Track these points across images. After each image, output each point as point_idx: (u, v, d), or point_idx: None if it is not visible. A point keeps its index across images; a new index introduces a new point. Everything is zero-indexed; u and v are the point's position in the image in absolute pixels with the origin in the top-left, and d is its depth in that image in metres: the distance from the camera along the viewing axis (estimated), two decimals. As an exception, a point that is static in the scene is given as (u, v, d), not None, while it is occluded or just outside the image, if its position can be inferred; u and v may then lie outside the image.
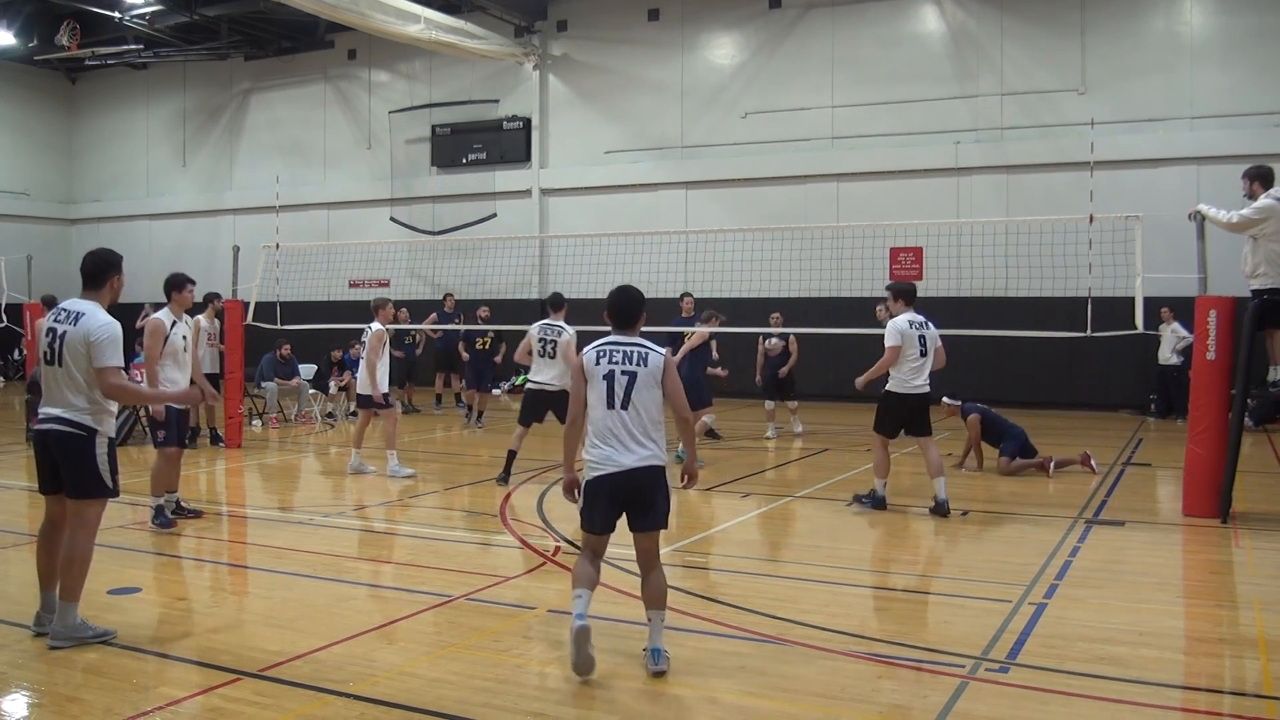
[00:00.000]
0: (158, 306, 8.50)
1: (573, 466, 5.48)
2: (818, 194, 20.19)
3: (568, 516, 8.79)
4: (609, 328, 5.48)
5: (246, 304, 14.35)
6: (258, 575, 7.19)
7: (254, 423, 15.88)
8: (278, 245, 15.55)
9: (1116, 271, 11.87)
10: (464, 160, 23.73)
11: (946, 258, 18.13)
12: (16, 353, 25.50)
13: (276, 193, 18.73)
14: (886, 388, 9.20)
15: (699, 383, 12.47)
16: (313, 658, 5.18)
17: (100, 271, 5.58)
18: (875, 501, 9.21)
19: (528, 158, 23.06)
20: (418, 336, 18.31)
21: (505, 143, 23.27)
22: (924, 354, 9.05)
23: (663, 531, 5.28)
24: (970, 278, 17.53)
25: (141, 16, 22.76)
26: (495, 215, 23.33)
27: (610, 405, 5.13)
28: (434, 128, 24.09)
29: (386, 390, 11.37)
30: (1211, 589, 6.85)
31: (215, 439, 13.58)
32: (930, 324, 9.18)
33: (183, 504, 8.74)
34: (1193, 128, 17.76)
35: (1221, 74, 17.58)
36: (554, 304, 10.97)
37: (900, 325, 9.05)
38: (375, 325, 11.31)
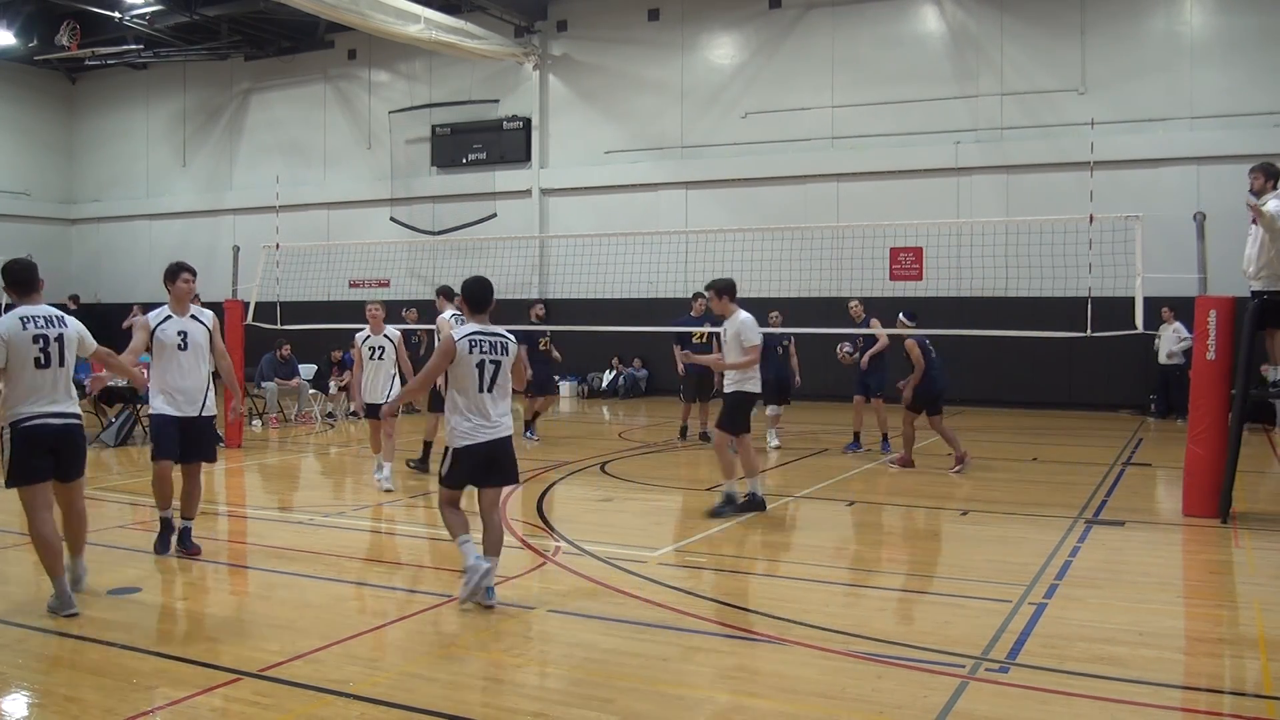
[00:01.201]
0: (147, 308, 8.49)
1: (406, 401, 7.14)
2: (818, 194, 20.19)
3: (568, 517, 8.80)
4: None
5: (246, 304, 14.35)
6: (258, 575, 7.19)
7: (254, 423, 15.88)
8: (278, 245, 15.55)
9: (1116, 271, 11.86)
10: (464, 160, 23.74)
11: (946, 258, 18.14)
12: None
13: (276, 193, 18.71)
14: (741, 388, 8.88)
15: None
16: (313, 658, 5.18)
17: (36, 277, 6.20)
18: (754, 503, 8.81)
19: (528, 158, 23.06)
20: (421, 336, 18.31)
21: (505, 143, 23.28)
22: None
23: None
24: (970, 278, 17.53)
25: (141, 16, 22.76)
26: (495, 215, 23.34)
27: (480, 389, 6.11)
28: (434, 128, 24.09)
29: (366, 400, 10.61)
30: (1211, 589, 6.85)
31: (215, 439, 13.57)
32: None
33: (189, 536, 7.42)
34: (1193, 128, 17.77)
35: (1221, 74, 17.58)
36: (447, 295, 11.00)
37: (753, 319, 8.82)
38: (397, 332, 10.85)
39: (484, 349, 6.13)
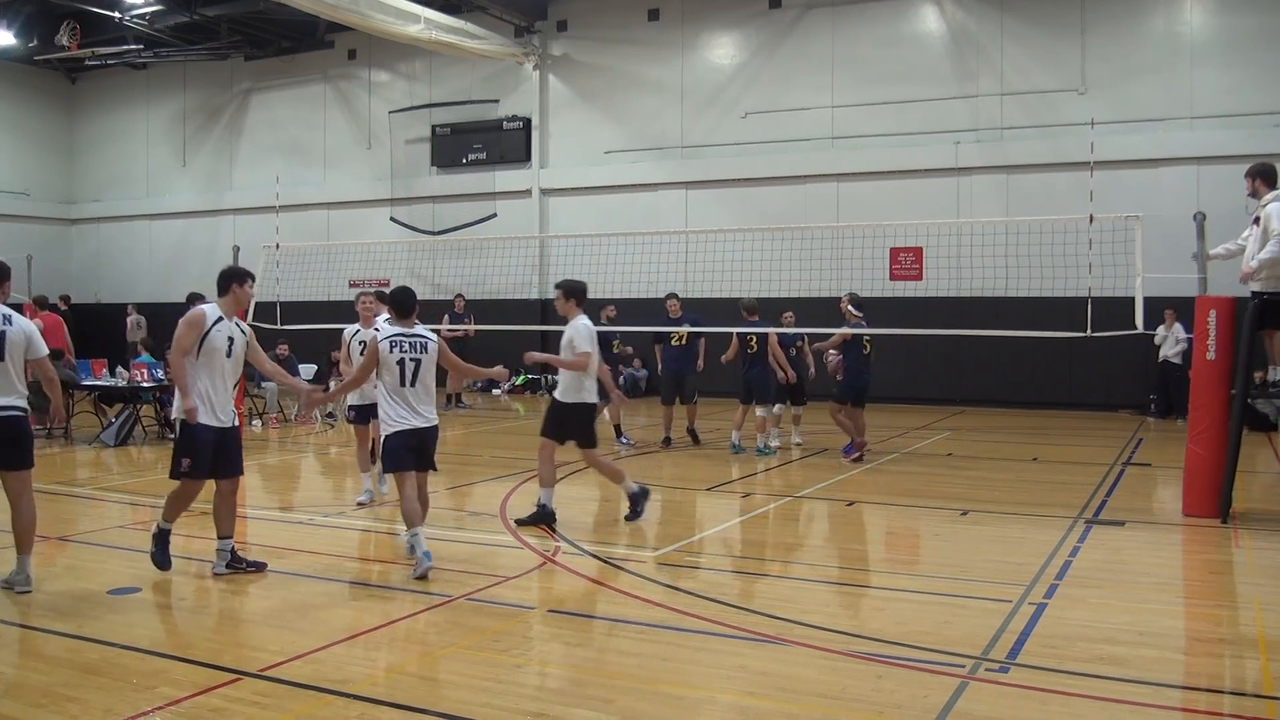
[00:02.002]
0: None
1: (333, 399, 7.88)
2: (818, 194, 20.19)
3: (568, 517, 8.79)
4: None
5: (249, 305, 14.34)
6: (258, 575, 7.18)
7: (254, 423, 15.88)
8: (278, 245, 15.56)
9: (1116, 271, 11.87)
10: (464, 160, 23.73)
11: (946, 258, 18.13)
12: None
13: (276, 193, 18.72)
14: (578, 398, 8.37)
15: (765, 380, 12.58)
16: (313, 658, 5.18)
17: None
18: (543, 516, 8.32)
19: (528, 158, 23.06)
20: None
21: (505, 143, 23.27)
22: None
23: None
24: (970, 278, 17.52)
25: (141, 16, 22.75)
26: (495, 215, 23.33)
27: (403, 384, 6.99)
28: (434, 128, 24.08)
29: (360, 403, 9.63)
30: (1211, 589, 6.85)
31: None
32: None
33: (237, 552, 6.96)
34: (1193, 128, 17.76)
35: (1221, 74, 17.58)
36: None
37: (590, 328, 8.38)
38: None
39: (404, 349, 7.02)
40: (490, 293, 21.49)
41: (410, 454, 6.99)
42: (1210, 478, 8.62)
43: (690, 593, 6.47)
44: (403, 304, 7.26)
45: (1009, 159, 18.89)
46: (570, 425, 8.47)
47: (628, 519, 8.55)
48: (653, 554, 7.45)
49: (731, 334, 12.77)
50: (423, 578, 6.64)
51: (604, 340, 12.62)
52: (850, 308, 12.13)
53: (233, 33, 24.33)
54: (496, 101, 23.53)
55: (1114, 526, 8.42)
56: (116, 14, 22.43)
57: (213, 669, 5.00)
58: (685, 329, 13.05)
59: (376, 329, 9.22)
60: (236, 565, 6.84)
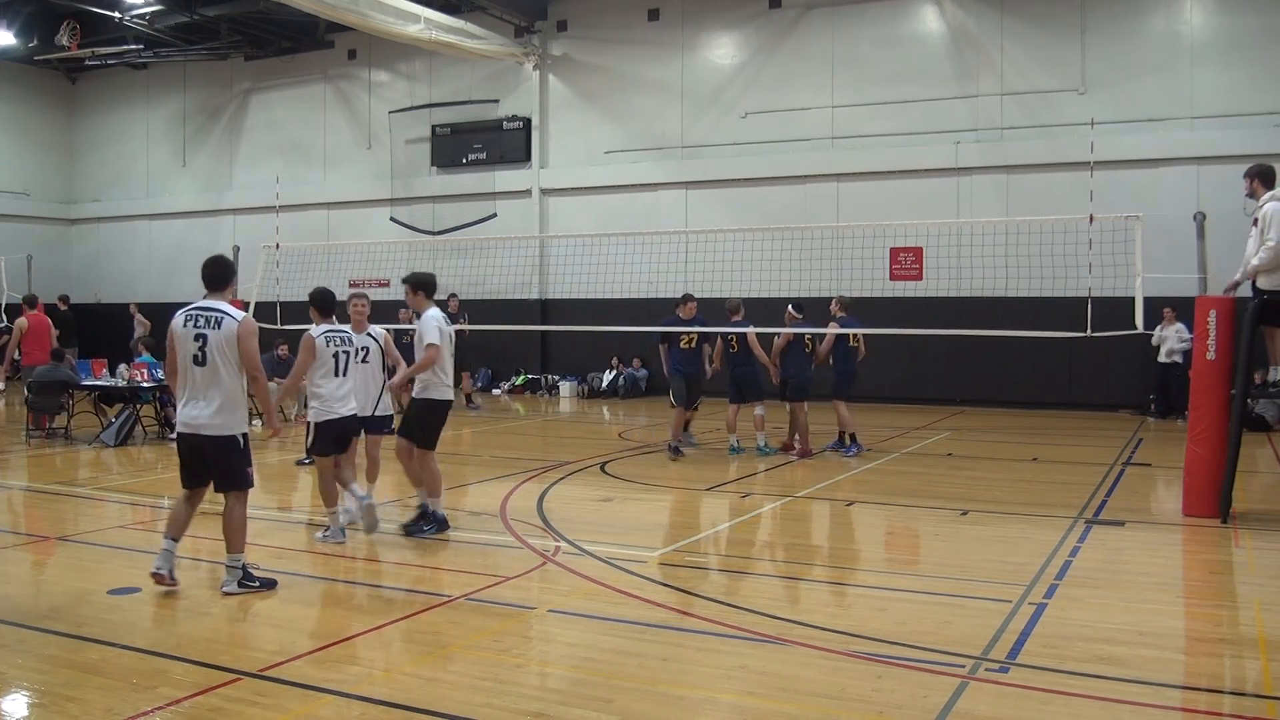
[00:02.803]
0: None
1: (288, 396, 7.51)
2: (818, 194, 20.19)
3: (567, 517, 8.80)
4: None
5: (247, 304, 14.36)
6: (258, 575, 7.18)
7: (254, 423, 15.85)
8: (278, 245, 15.56)
9: (1116, 271, 11.87)
10: (464, 160, 23.73)
11: (946, 258, 18.14)
12: (16, 352, 25.51)
13: (276, 193, 18.72)
14: (429, 395, 8.03)
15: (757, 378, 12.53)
16: (313, 658, 5.18)
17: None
18: (440, 523, 8.01)
19: (528, 158, 23.05)
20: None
21: (505, 143, 23.27)
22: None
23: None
24: (970, 278, 17.53)
25: (141, 16, 22.74)
26: (495, 215, 23.33)
27: (335, 374, 7.58)
28: (434, 128, 24.08)
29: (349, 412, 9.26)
30: (1211, 589, 6.85)
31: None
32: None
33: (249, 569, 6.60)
34: (1193, 128, 17.76)
35: (1221, 74, 17.57)
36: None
37: (439, 319, 8.08)
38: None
39: (337, 343, 7.84)
40: (490, 293, 21.49)
41: (339, 440, 7.81)
42: (1210, 478, 8.62)
43: (690, 592, 6.47)
44: (325, 304, 8.05)
45: (1009, 159, 18.88)
46: (420, 422, 8.06)
47: (404, 529, 8.04)
48: (653, 554, 7.45)
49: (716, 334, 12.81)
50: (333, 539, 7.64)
51: (674, 339, 12.53)
52: (791, 309, 12.64)
53: (233, 33, 24.33)
54: (496, 101, 23.53)
55: (1114, 526, 8.42)
56: (116, 14, 22.43)
57: (213, 669, 5.00)
58: (696, 330, 12.62)
59: (371, 334, 8.78)
60: (252, 584, 6.45)
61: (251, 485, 6.51)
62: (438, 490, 8.10)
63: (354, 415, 7.96)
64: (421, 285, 8.35)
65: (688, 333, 12.60)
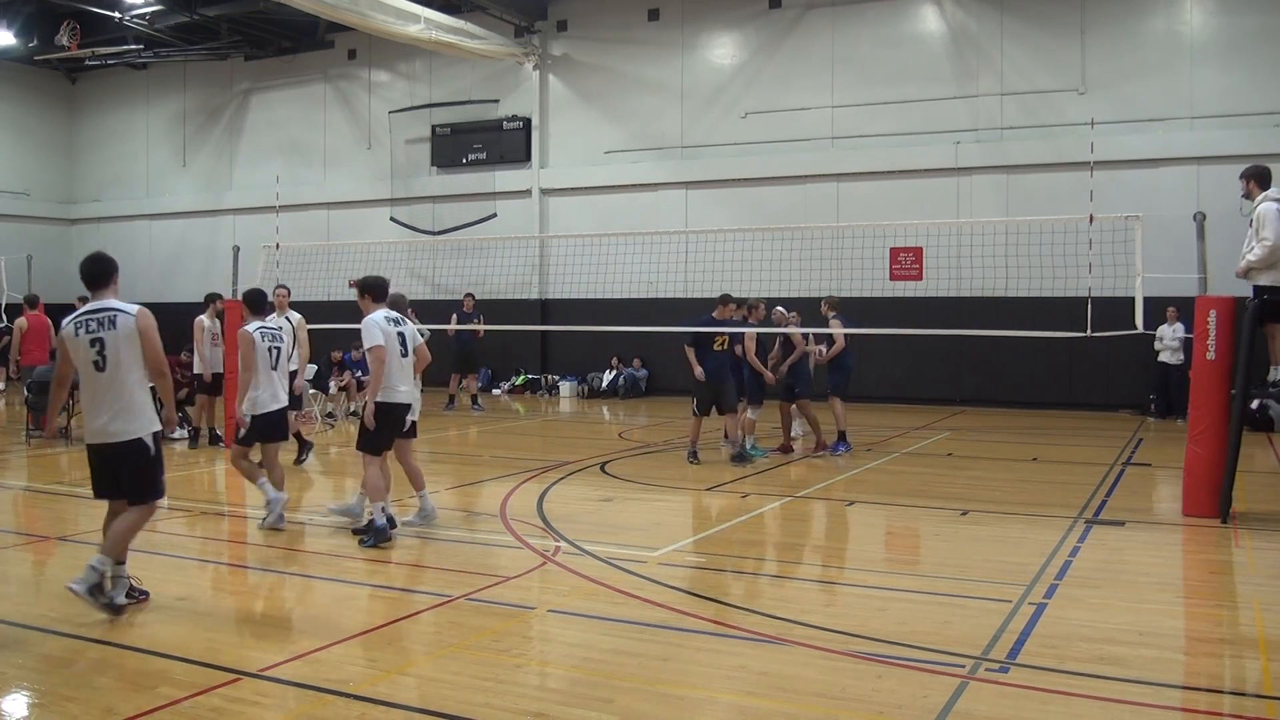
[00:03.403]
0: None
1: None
2: (818, 194, 20.19)
3: (567, 517, 8.80)
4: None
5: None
6: (258, 575, 7.19)
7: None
8: (278, 245, 15.54)
9: (1116, 271, 11.85)
10: (464, 160, 23.72)
11: (946, 258, 18.13)
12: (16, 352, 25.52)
13: (276, 193, 18.70)
14: (384, 398, 7.86)
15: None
16: (313, 658, 5.18)
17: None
18: (379, 534, 7.65)
19: (528, 158, 23.05)
20: (421, 333, 18.28)
21: (505, 143, 23.27)
22: (405, 354, 8.06)
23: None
24: (970, 278, 17.53)
25: (141, 16, 22.75)
26: (495, 215, 23.33)
27: (272, 367, 8.33)
28: (434, 128, 24.08)
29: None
30: (1211, 589, 6.85)
31: (215, 439, 13.58)
32: (406, 321, 8.20)
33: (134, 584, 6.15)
34: (1193, 128, 17.76)
35: (1221, 74, 17.57)
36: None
37: (379, 322, 7.91)
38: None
39: (269, 339, 8.61)
40: (490, 293, 21.47)
41: (270, 430, 8.55)
42: (1210, 478, 8.62)
43: (690, 593, 6.46)
44: (256, 303, 8.94)
45: (1009, 159, 18.88)
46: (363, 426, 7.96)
47: (360, 537, 7.83)
48: (653, 554, 7.45)
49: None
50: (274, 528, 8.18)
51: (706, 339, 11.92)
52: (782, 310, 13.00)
53: (233, 33, 24.33)
54: (496, 101, 23.53)
55: (1114, 526, 8.42)
56: (116, 14, 22.43)
57: (213, 669, 5.00)
58: (728, 331, 12.04)
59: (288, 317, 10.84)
60: (133, 595, 6.06)
61: (162, 495, 6.14)
62: (380, 496, 7.76)
63: (285, 407, 8.84)
64: (367, 289, 8.18)
65: (720, 335, 11.97)
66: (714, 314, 12.15)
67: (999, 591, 6.40)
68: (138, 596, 6.04)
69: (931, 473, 11.49)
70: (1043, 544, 7.70)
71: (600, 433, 15.94)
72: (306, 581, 6.83)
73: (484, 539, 8.16)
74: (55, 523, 8.90)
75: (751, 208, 20.39)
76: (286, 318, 11.20)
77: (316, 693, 4.70)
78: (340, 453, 13.23)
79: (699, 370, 11.85)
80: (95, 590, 5.70)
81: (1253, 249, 8.31)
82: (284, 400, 8.75)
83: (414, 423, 8.26)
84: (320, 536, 8.21)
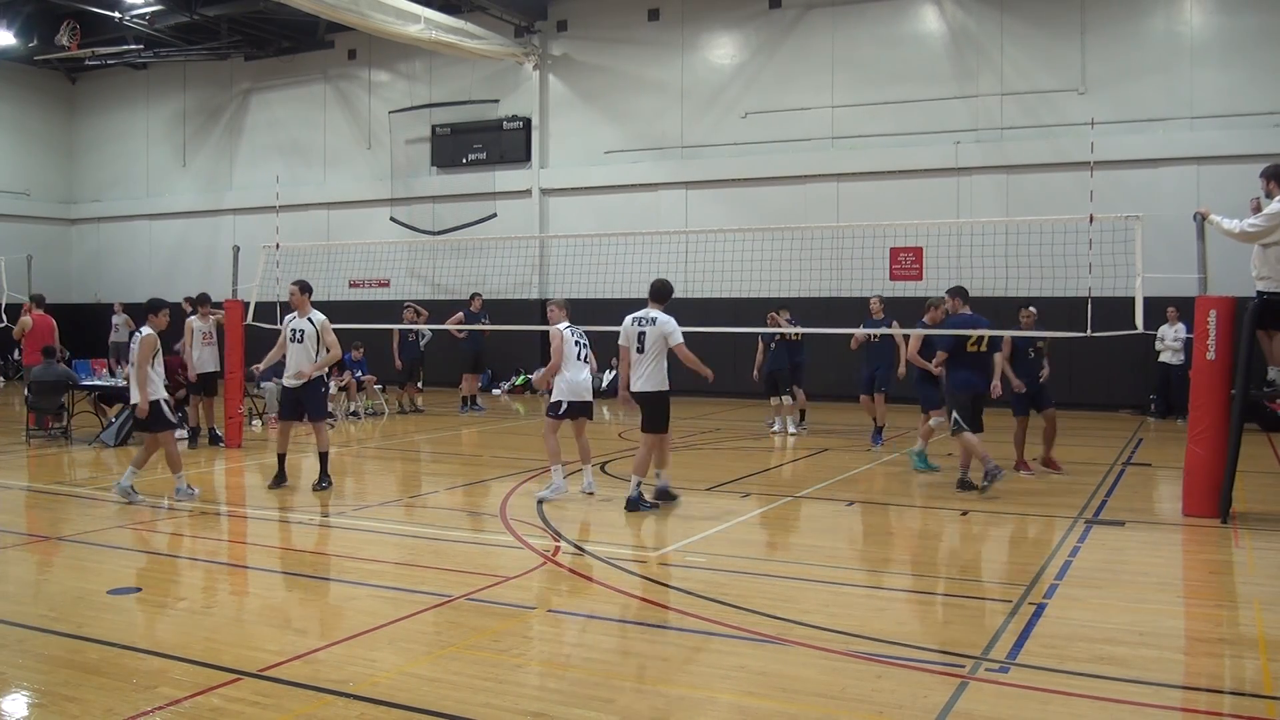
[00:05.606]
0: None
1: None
2: (818, 194, 20.18)
3: (567, 517, 8.80)
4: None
5: (246, 304, 14.33)
6: (258, 575, 7.19)
7: (254, 423, 15.87)
8: (278, 245, 15.53)
9: (1116, 271, 11.85)
10: (464, 160, 23.72)
11: (946, 258, 18.10)
12: (16, 352, 25.51)
13: (276, 193, 18.69)
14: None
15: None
16: (313, 658, 5.18)
17: None
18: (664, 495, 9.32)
19: (528, 158, 23.05)
20: (423, 333, 18.26)
21: (505, 143, 23.27)
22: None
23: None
24: (970, 278, 17.40)
25: (141, 16, 22.75)
26: (495, 215, 23.33)
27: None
28: (434, 128, 24.08)
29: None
30: (1211, 589, 6.85)
31: (215, 439, 13.58)
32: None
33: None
34: (1193, 128, 17.76)
35: (1221, 74, 17.57)
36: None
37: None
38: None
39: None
40: (490, 293, 21.44)
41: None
42: (1210, 478, 8.63)
43: (690, 593, 6.46)
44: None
45: (1009, 159, 18.88)
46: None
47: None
48: (653, 554, 7.45)
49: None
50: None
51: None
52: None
53: (233, 33, 24.33)
54: (496, 101, 23.53)
55: (1114, 526, 8.42)
56: (116, 14, 22.43)
57: (213, 669, 5.00)
58: (798, 328, 14.14)
59: (310, 318, 10.97)
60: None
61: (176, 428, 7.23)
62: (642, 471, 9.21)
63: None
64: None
65: (794, 330, 14.02)
66: (874, 316, 13.76)
67: (999, 591, 6.40)
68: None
69: (931, 473, 11.47)
70: (1043, 544, 7.70)
71: (600, 433, 15.92)
72: (306, 581, 6.83)
73: (484, 539, 8.16)
74: (55, 523, 8.89)
75: (751, 208, 20.38)
76: (309, 319, 10.48)
77: (316, 693, 4.70)
78: (340, 452, 13.22)
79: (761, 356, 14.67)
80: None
81: (1241, 223, 8.34)
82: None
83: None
84: (320, 536, 8.21)
